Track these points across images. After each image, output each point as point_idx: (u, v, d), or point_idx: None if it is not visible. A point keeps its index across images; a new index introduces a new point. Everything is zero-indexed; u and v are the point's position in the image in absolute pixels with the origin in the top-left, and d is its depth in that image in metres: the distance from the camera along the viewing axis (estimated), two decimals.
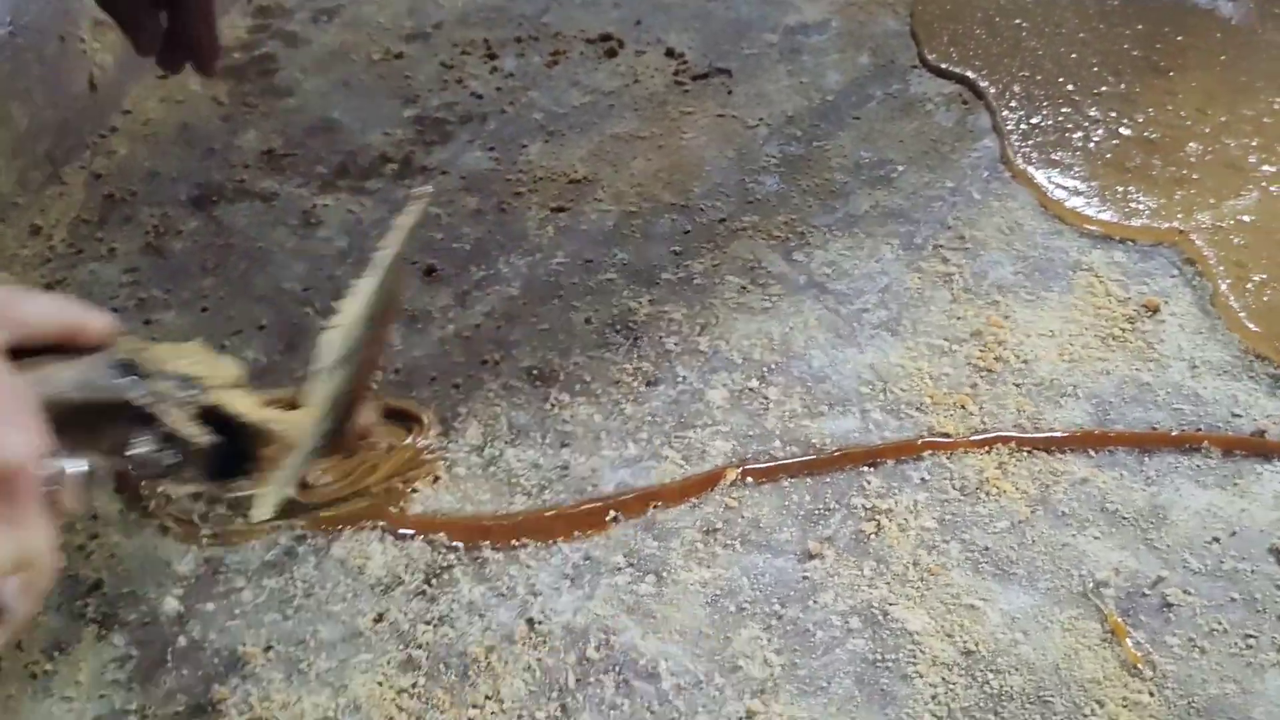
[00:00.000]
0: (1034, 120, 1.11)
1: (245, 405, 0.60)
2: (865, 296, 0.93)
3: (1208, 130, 1.08)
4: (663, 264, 0.97)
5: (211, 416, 0.58)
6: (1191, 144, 1.06)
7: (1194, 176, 1.02)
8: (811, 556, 0.73)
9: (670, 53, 1.25)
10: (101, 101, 1.17)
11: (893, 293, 0.93)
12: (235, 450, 0.60)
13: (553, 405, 0.85)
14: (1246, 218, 0.97)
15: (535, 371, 0.87)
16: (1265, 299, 0.90)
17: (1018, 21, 1.25)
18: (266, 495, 0.62)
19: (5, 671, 0.69)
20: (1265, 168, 1.02)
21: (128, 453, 0.55)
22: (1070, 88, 1.15)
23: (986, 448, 0.80)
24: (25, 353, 0.48)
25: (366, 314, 0.69)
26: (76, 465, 0.49)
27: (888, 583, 0.72)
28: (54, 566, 0.47)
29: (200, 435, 0.57)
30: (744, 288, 0.94)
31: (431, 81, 1.22)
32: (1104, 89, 1.14)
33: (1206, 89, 1.13)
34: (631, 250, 0.98)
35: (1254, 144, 1.05)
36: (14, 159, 1.05)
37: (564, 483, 0.79)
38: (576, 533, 0.76)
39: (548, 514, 0.77)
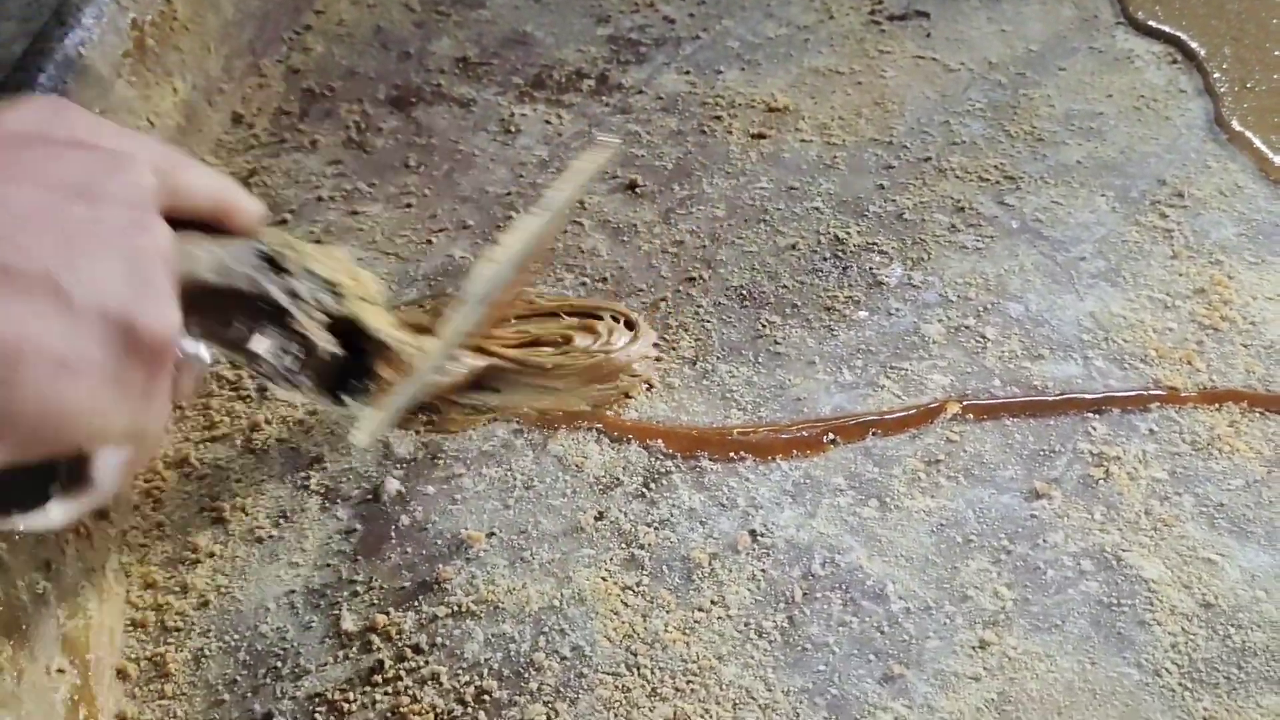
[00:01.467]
0: (1249, 84, 1.07)
1: (380, 321, 0.59)
2: (1082, 245, 0.90)
3: None
4: (869, 196, 0.95)
5: (342, 327, 0.57)
6: None
7: None
8: (1039, 496, 0.72)
9: None
10: (296, 1, 1.18)
11: (1110, 244, 0.90)
12: (357, 365, 0.58)
13: (764, 325, 0.84)
14: None
15: (744, 291, 0.86)
16: None
17: None
18: (371, 419, 0.61)
19: (234, 534, 0.70)
20: None
21: (250, 346, 0.53)
22: (1275, 50, 1.10)
23: (1217, 404, 0.78)
24: (174, 224, 0.46)
25: (522, 254, 0.68)
26: (201, 353, 0.48)
27: (1119, 529, 0.70)
28: (159, 445, 0.46)
29: (328, 343, 0.56)
30: (954, 226, 0.92)
31: (624, 3, 1.20)
32: None
33: None
34: (837, 181, 0.97)
35: None
36: (221, 44, 1.06)
37: (779, 402, 0.78)
38: (795, 451, 0.74)
39: (766, 430, 0.75)
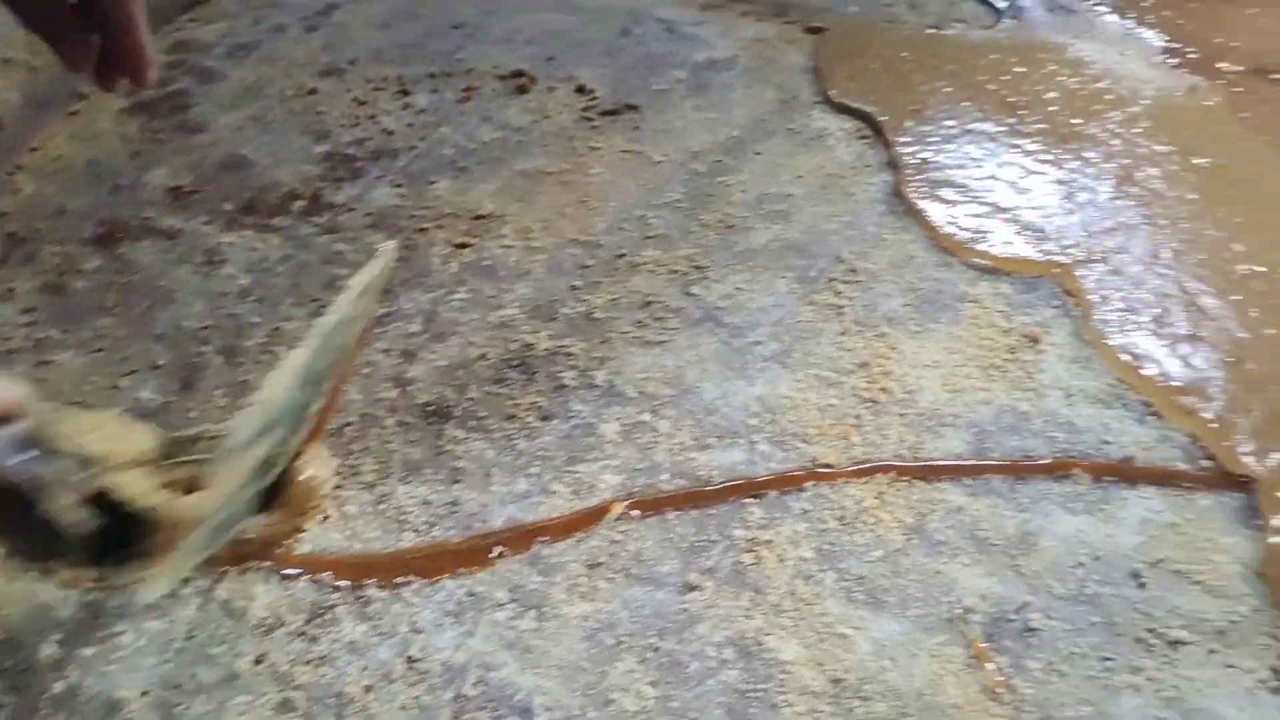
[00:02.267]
0: (925, 156, 1.14)
1: (141, 488, 0.59)
2: (759, 329, 0.95)
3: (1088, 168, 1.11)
4: (563, 299, 0.98)
5: (104, 501, 0.57)
6: (1076, 174, 1.10)
7: (1068, 210, 1.06)
8: (691, 588, 0.75)
9: (580, 89, 1.28)
10: (8, 140, 1.17)
11: (785, 325, 0.96)
12: (125, 534, 0.59)
13: (447, 442, 0.86)
14: (1120, 253, 1.01)
15: (431, 408, 0.89)
16: (1133, 331, 0.93)
17: (910, 59, 1.29)
18: (158, 577, 0.61)
19: None
20: (1139, 205, 1.06)
21: (7, 533, 0.55)
22: (951, 124, 1.18)
23: (867, 478, 0.82)
24: None
25: (300, 381, 0.69)
26: None
27: (764, 613, 0.73)
28: None
29: (82, 522, 0.56)
30: (641, 322, 0.96)
31: (344, 117, 1.23)
32: (979, 126, 1.17)
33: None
34: (532, 285, 1.00)
35: (1130, 176, 1.09)
36: None
37: (453, 519, 0.80)
38: (462, 569, 0.76)
39: (434, 550, 0.77)
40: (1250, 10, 1.35)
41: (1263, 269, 0.97)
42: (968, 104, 1.20)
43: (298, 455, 0.73)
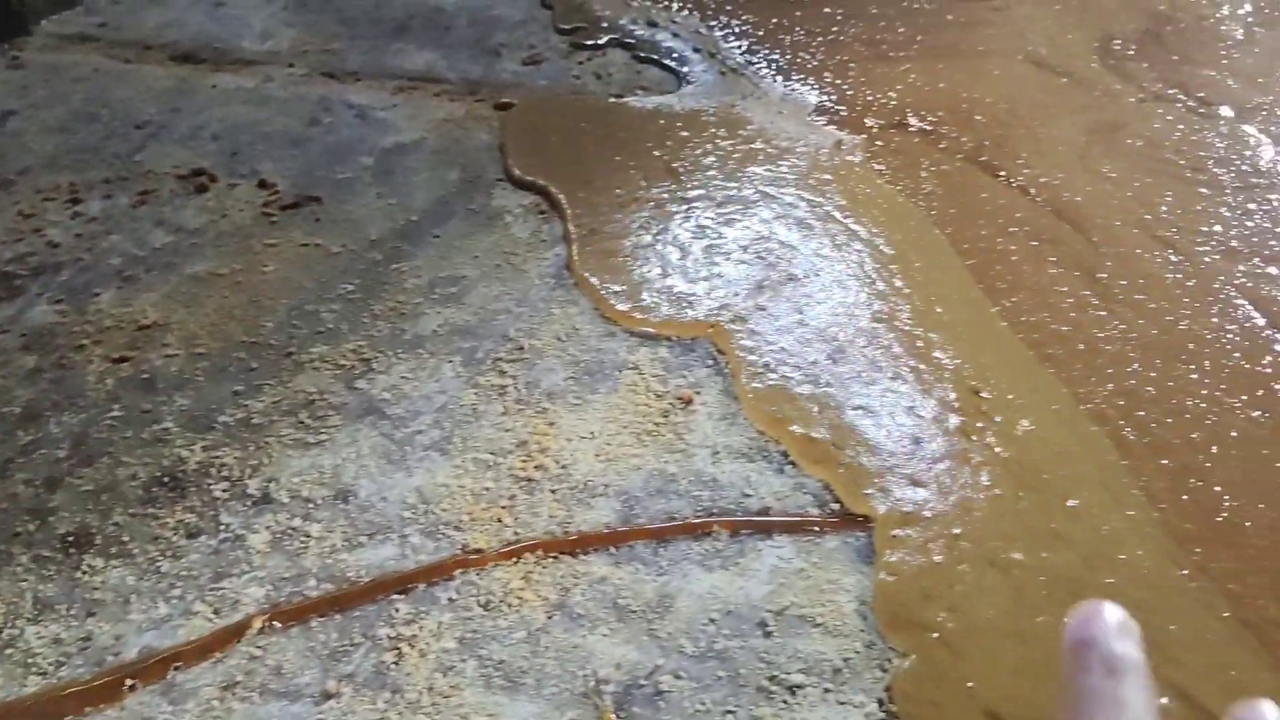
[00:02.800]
0: (595, 226, 1.18)
1: None
2: (421, 418, 0.96)
3: (729, 225, 1.18)
4: (223, 406, 0.97)
5: None
6: (729, 235, 1.16)
7: (719, 272, 1.11)
8: (329, 696, 0.75)
9: (263, 183, 1.27)
10: None
11: (448, 411, 0.97)
12: None
13: (85, 573, 0.83)
14: (765, 311, 1.07)
15: (71, 538, 0.86)
16: (774, 384, 0.98)
17: (588, 130, 1.34)
18: None
19: None
20: (782, 263, 1.12)
21: None
22: (620, 193, 1.23)
23: (515, 559, 0.84)
24: None
25: None
26: None
27: (400, 712, 0.74)
28: None
29: None
30: (302, 422, 0.96)
31: (6, 233, 1.19)
32: (644, 194, 1.23)
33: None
34: (193, 395, 0.98)
35: (773, 234, 1.16)
36: None
37: (84, 655, 0.78)
38: (88, 708, 0.74)
39: (59, 693, 0.74)
40: (903, 66, 1.46)
41: (888, 318, 1.04)
42: (635, 172, 1.25)
43: None
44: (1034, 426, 0.91)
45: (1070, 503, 0.85)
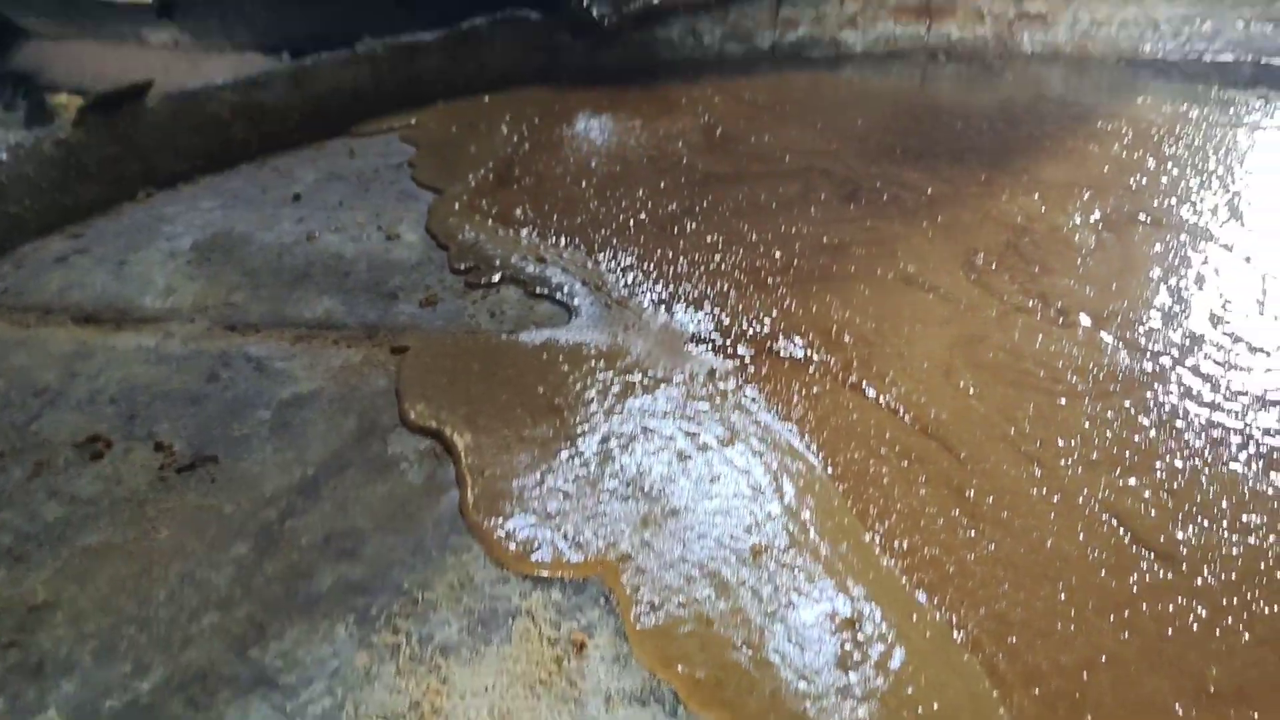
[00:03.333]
0: (487, 471, 1.22)
1: None
2: (314, 685, 0.96)
3: (619, 460, 1.22)
4: (110, 689, 0.96)
5: None
6: (611, 471, 1.20)
7: (604, 510, 1.15)
8: None
9: (159, 445, 1.29)
10: None
11: (341, 677, 0.97)
12: None
13: None
14: (648, 547, 1.10)
15: None
16: (659, 624, 1.01)
17: (478, 370, 1.39)
18: None
19: None
20: (660, 498, 1.17)
21: None
22: (507, 433, 1.27)
23: None
24: None
25: None
26: None
27: None
28: None
29: None
30: (192, 699, 0.95)
31: None
32: (529, 433, 1.27)
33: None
34: (79, 679, 0.97)
35: (649, 470, 1.20)
36: None
37: None
38: None
39: None
40: (778, 292, 1.55)
41: (767, 548, 1.08)
42: (522, 410, 1.30)
43: None
44: (908, 659, 0.94)
45: None
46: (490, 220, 1.82)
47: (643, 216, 1.81)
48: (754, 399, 1.30)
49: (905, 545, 1.07)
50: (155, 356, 1.48)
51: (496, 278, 1.65)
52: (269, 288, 1.64)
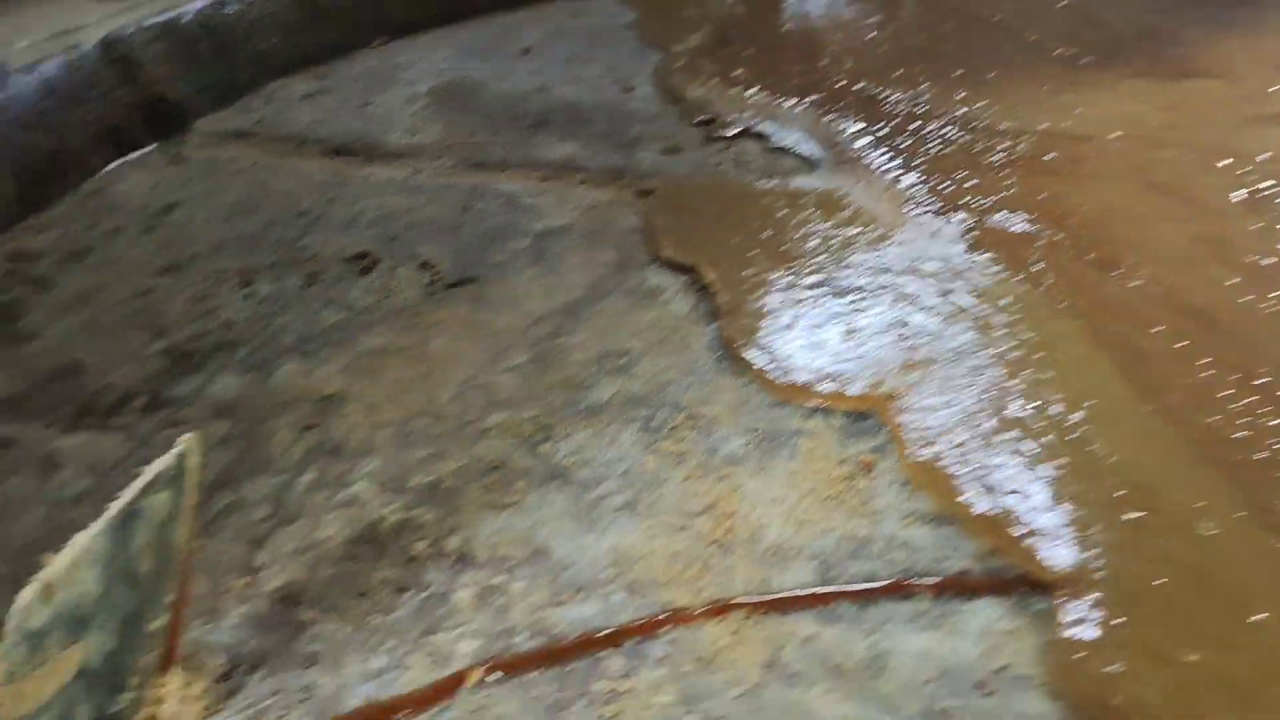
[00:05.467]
0: (747, 307, 1.21)
1: None
2: (606, 482, 0.97)
3: (890, 307, 1.19)
4: (411, 471, 0.99)
5: None
6: (866, 318, 1.17)
7: (866, 352, 1.12)
8: None
9: (424, 265, 1.31)
10: None
11: (632, 476, 0.98)
12: None
13: (298, 626, 0.84)
14: (915, 388, 1.07)
15: (280, 594, 0.87)
16: (937, 461, 0.98)
17: (732, 214, 1.38)
18: None
19: None
20: (924, 348, 1.13)
21: None
22: (765, 272, 1.26)
23: (720, 617, 0.84)
24: None
25: (113, 575, 0.68)
26: None
27: None
28: None
29: None
30: (490, 486, 0.97)
31: (183, 314, 1.24)
32: (790, 277, 1.25)
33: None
34: (381, 460, 1.01)
35: (940, 312, 1.17)
36: None
37: (308, 705, 0.78)
38: None
39: None
40: (1004, 177, 1.47)
41: (1039, 407, 1.03)
42: (770, 253, 1.28)
43: (152, 687, 0.72)
44: (1218, 533, 0.89)
45: (1254, 617, 0.83)
46: (717, 79, 1.79)
47: (866, 83, 1.75)
48: (990, 266, 1.25)
49: (1198, 423, 1.01)
50: (407, 188, 1.50)
51: (734, 131, 1.62)
52: (509, 132, 1.64)
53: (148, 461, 0.98)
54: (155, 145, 1.63)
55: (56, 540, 0.90)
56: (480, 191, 1.49)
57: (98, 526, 0.68)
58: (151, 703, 0.76)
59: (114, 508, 0.70)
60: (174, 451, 0.73)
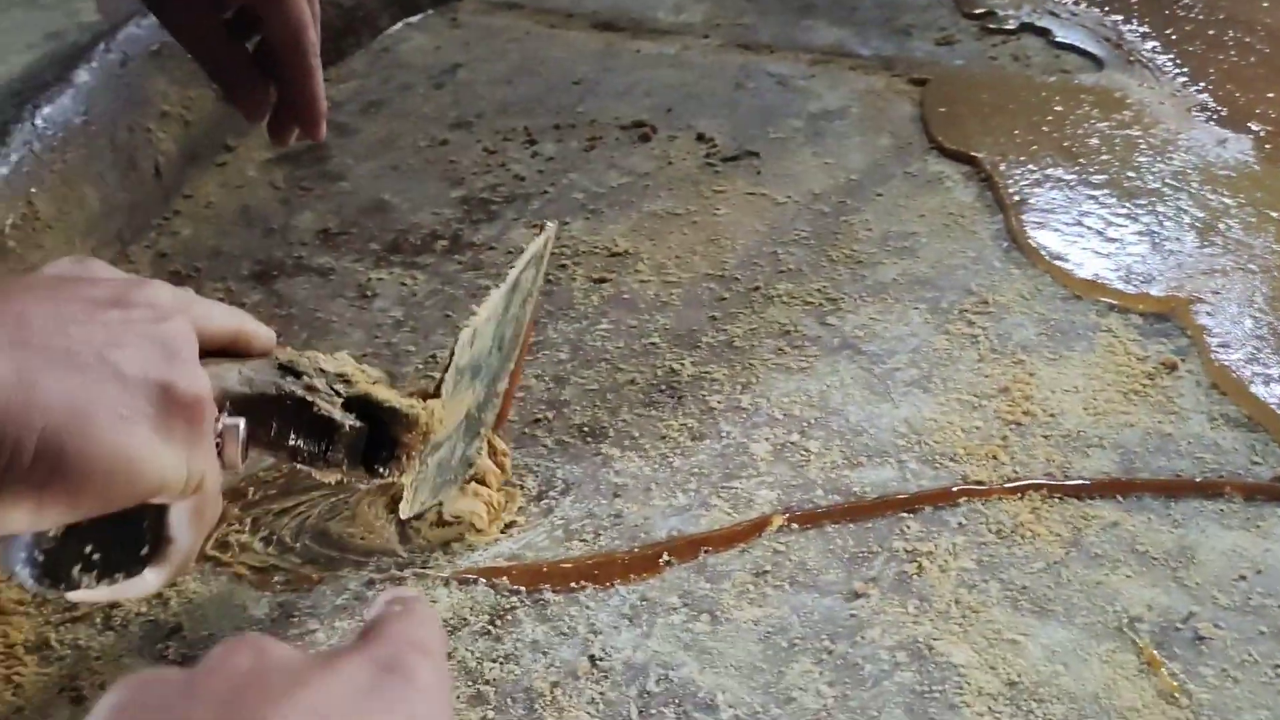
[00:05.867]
0: (1030, 198, 1.17)
1: (388, 395, 0.67)
2: (896, 356, 0.98)
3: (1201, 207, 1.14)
4: (703, 329, 1.02)
5: (358, 406, 0.65)
6: (1183, 209, 1.12)
7: (1162, 255, 1.08)
8: (858, 596, 0.77)
9: (700, 137, 1.33)
10: (165, 186, 1.25)
11: (922, 353, 0.98)
12: (380, 438, 0.66)
13: (603, 459, 0.89)
14: (1218, 295, 1.02)
15: (586, 429, 0.92)
16: (1249, 370, 0.94)
17: (1014, 106, 1.34)
18: (409, 491, 0.70)
19: (90, 701, 0.72)
20: (1225, 256, 1.08)
21: (287, 443, 0.62)
22: (1044, 168, 1.22)
23: (1019, 494, 0.84)
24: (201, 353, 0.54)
25: (497, 331, 0.76)
26: (239, 424, 0.56)
27: (931, 620, 0.75)
28: (219, 506, 0.56)
29: (349, 419, 0.64)
30: (781, 349, 0.99)
31: (476, 165, 1.29)
32: (1070, 169, 1.21)
33: None
34: (672, 316, 1.04)
35: (1241, 220, 1.11)
36: (87, 237, 1.11)
37: (617, 530, 0.83)
38: (632, 576, 0.79)
39: (604, 559, 0.80)
40: None
41: None
42: (1052, 148, 1.24)
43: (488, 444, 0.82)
44: None
45: None
46: None
47: None
48: None
49: None
50: (679, 63, 1.51)
51: (1013, 25, 1.56)
52: (776, 14, 1.63)
53: (455, 299, 1.04)
54: (432, 10, 1.68)
55: (379, 360, 0.97)
56: (750, 71, 1.48)
57: (501, 289, 0.75)
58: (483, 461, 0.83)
59: (509, 275, 0.77)
60: (542, 236, 0.80)
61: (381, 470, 0.67)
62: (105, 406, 0.45)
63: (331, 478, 0.66)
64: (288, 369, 0.62)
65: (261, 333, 0.62)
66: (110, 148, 1.17)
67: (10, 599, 0.79)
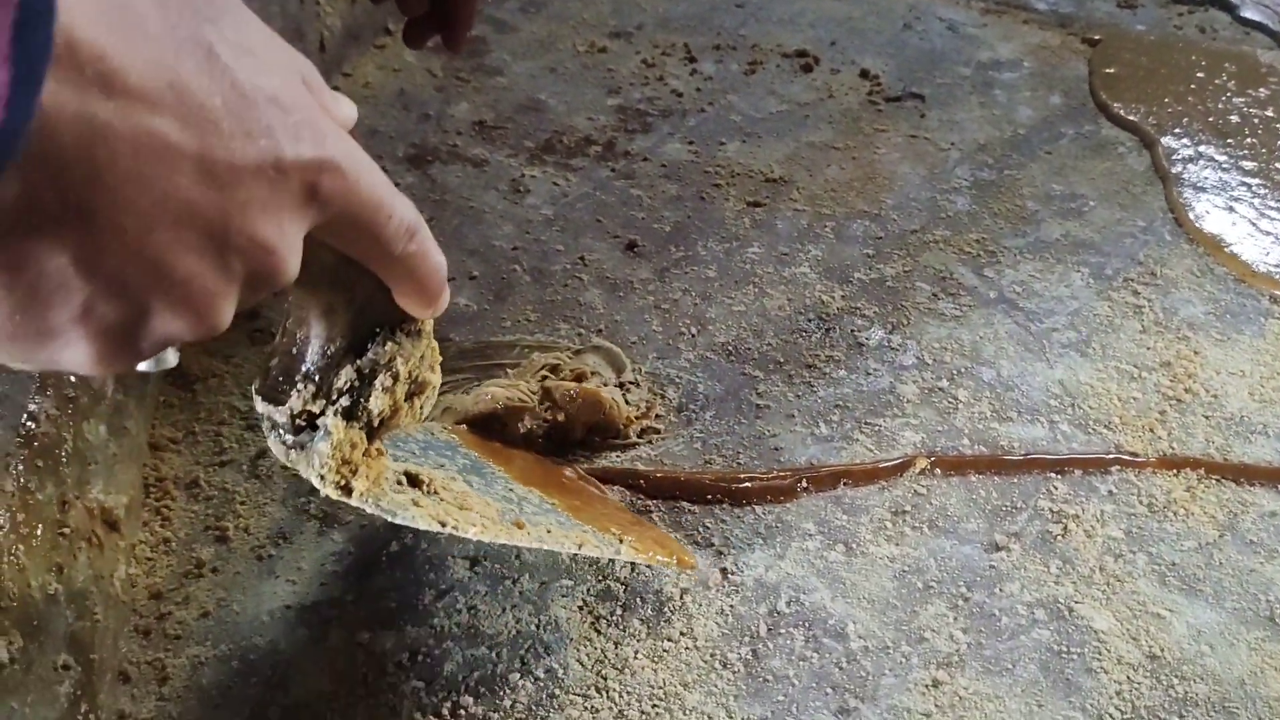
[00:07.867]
0: (1213, 177, 1.12)
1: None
2: (1055, 317, 0.95)
3: None
4: (855, 264, 1.00)
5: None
6: None
7: None
8: (998, 548, 0.75)
9: (865, 74, 1.29)
10: (327, 62, 1.25)
11: (1082, 317, 0.95)
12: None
13: (747, 379, 0.88)
14: None
15: (730, 348, 0.91)
16: None
17: (1189, 81, 1.27)
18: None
19: (235, 551, 0.75)
20: None
21: (338, 369, 0.53)
22: (1238, 152, 1.16)
23: (1175, 470, 0.81)
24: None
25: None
26: None
27: (1073, 582, 0.73)
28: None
29: (333, 422, 0.53)
30: (934, 295, 0.97)
31: (633, 76, 1.27)
32: (1235, 146, 1.15)
33: None
34: (824, 249, 1.02)
35: None
36: None
37: (757, 450, 0.82)
38: (769, 497, 0.78)
39: (741, 476, 0.80)
40: None
41: None
42: (1244, 131, 1.18)
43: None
44: None
45: None
46: None
47: None
48: None
49: None
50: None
51: None
52: None
53: (606, 205, 1.03)
54: None
55: (529, 255, 0.97)
56: (919, 12, 1.43)
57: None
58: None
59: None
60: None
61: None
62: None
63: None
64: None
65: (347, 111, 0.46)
66: (281, 15, 1.18)
67: (164, 435, 0.81)
